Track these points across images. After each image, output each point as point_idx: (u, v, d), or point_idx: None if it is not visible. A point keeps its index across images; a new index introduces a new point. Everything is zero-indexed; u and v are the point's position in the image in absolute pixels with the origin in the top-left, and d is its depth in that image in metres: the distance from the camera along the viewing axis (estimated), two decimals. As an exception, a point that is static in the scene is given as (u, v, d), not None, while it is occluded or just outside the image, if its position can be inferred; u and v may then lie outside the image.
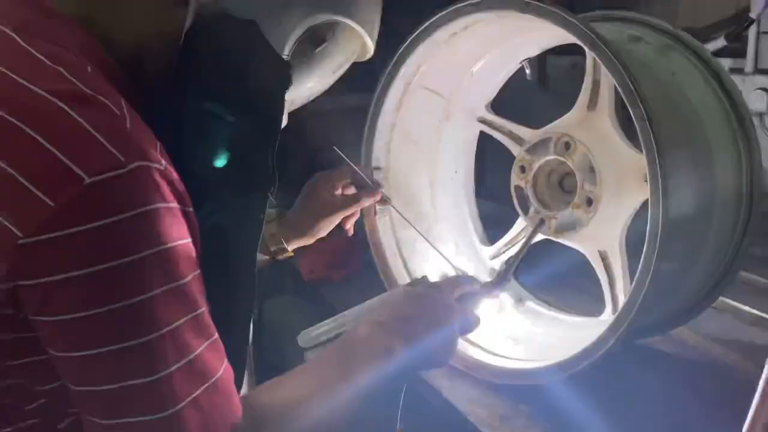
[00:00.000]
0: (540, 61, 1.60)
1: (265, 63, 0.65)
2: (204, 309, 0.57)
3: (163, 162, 0.54)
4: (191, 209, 0.58)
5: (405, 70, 1.08)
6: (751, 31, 1.72)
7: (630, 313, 0.81)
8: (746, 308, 1.16)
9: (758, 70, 1.74)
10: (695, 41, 0.95)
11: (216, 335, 0.58)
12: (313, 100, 0.98)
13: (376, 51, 1.00)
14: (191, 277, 0.55)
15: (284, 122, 0.73)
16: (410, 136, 1.17)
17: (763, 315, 1.14)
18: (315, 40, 0.70)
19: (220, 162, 0.64)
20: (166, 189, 0.53)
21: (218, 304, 0.60)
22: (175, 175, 0.55)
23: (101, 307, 0.50)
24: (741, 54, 1.75)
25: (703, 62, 0.94)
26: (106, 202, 0.50)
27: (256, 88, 0.65)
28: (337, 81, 1.12)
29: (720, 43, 1.77)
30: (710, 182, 0.91)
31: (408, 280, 1.13)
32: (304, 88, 0.75)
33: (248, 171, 0.66)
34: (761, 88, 1.71)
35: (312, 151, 1.46)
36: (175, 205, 0.54)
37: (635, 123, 0.79)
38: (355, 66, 1.03)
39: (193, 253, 0.57)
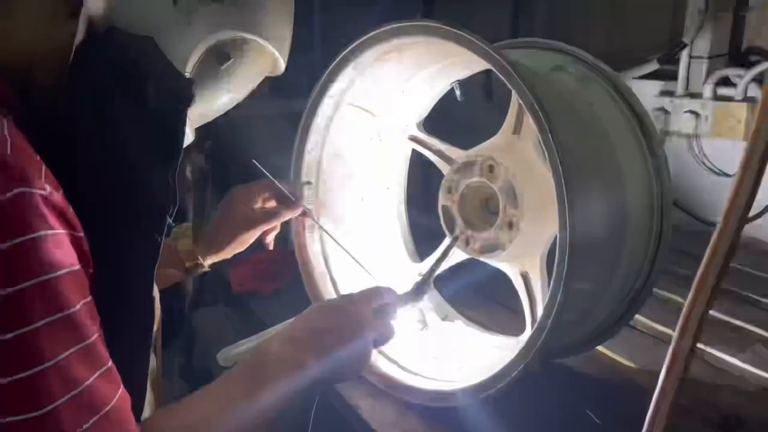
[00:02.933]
0: (485, 75, 1.63)
1: (163, 79, 0.63)
2: (95, 337, 0.56)
3: (48, 187, 0.52)
4: (81, 234, 0.56)
5: (335, 88, 1.08)
6: (683, 55, 1.78)
7: (539, 338, 0.83)
8: (663, 329, 1.20)
9: (688, 93, 1.81)
10: (612, 72, 0.98)
11: (109, 363, 0.57)
12: (249, 106, 0.96)
13: (319, 58, 0.99)
14: (80, 305, 0.54)
15: (191, 138, 0.71)
16: (341, 152, 1.17)
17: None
18: (221, 56, 0.69)
19: (114, 182, 0.61)
20: (50, 215, 0.52)
21: (114, 330, 0.59)
22: (61, 200, 0.54)
23: None
24: (672, 77, 1.82)
25: (619, 92, 0.97)
26: None
27: (153, 105, 0.62)
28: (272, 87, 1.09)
29: (653, 66, 1.83)
30: (622, 206, 0.94)
31: (335, 297, 1.14)
32: (213, 104, 0.73)
33: (145, 191, 0.63)
34: (690, 111, 1.77)
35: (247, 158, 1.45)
36: (61, 231, 0.53)
37: (543, 148, 0.81)
38: (295, 73, 1.02)
39: (84, 280, 0.56)
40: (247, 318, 1.41)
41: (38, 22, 0.60)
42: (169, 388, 1.37)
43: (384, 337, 0.82)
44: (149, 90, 0.63)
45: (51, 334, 0.51)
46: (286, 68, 0.78)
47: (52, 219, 0.52)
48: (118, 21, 0.62)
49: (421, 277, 1.06)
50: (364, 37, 1.00)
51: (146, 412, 0.69)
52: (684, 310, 0.50)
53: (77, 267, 0.55)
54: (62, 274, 0.52)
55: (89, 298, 0.56)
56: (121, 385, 0.58)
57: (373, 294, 0.85)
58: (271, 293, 1.40)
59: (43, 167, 0.54)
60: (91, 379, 0.54)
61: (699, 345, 1.11)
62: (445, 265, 1.13)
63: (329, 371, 0.74)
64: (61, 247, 0.53)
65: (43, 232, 0.51)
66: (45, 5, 0.60)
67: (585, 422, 0.97)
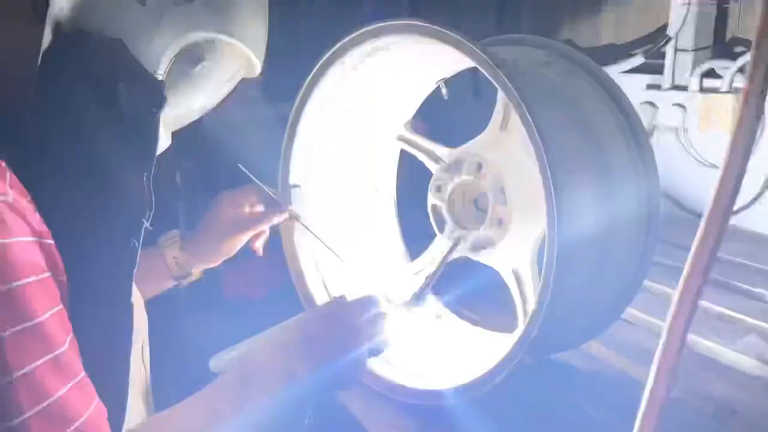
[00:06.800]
0: (473, 72, 1.62)
1: (134, 82, 0.62)
2: (66, 347, 0.54)
3: (11, 193, 0.51)
4: (51, 241, 0.55)
5: (320, 91, 1.07)
6: (669, 49, 1.79)
7: (529, 336, 0.83)
8: (653, 320, 1.20)
9: (675, 86, 1.82)
10: (597, 66, 0.98)
11: (82, 374, 0.56)
12: (238, 111, 0.93)
13: (306, 61, 0.98)
14: (49, 314, 0.53)
15: (167, 143, 0.70)
16: (329, 153, 1.17)
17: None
18: (194, 58, 0.67)
19: (88, 187, 0.60)
20: (13, 222, 0.51)
21: (92, 340, 0.58)
22: (27, 207, 0.53)
23: None
24: (659, 70, 1.83)
25: (605, 87, 0.96)
26: None
27: (125, 108, 0.61)
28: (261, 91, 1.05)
29: (639, 59, 1.84)
30: (611, 200, 0.93)
31: (327, 300, 1.13)
32: (188, 106, 0.72)
33: (119, 195, 0.62)
34: (677, 104, 1.78)
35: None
36: (26, 238, 0.52)
37: (530, 142, 0.81)
38: (283, 77, 0.99)
39: (53, 288, 0.54)
40: (239, 323, 1.40)
41: (0, 26, 0.58)
42: (165, 397, 1.36)
43: (378, 347, 0.81)
44: (120, 93, 0.61)
45: (17, 345, 0.50)
46: (275, 72, 0.76)
47: (17, 226, 0.51)
48: (86, 23, 0.60)
49: (419, 287, 1.06)
50: (349, 37, 0.99)
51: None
52: (674, 300, 0.50)
53: (45, 275, 0.54)
54: (27, 282, 0.51)
55: (59, 307, 0.55)
56: (96, 397, 0.57)
57: (368, 302, 0.83)
58: (263, 297, 1.39)
59: (8, 173, 0.53)
60: (62, 391, 0.53)
61: (692, 335, 1.13)
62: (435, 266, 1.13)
63: (321, 381, 0.73)
64: (26, 254, 0.52)
65: (6, 240, 0.50)
66: (6, 9, 0.58)
67: (579, 416, 0.97)
